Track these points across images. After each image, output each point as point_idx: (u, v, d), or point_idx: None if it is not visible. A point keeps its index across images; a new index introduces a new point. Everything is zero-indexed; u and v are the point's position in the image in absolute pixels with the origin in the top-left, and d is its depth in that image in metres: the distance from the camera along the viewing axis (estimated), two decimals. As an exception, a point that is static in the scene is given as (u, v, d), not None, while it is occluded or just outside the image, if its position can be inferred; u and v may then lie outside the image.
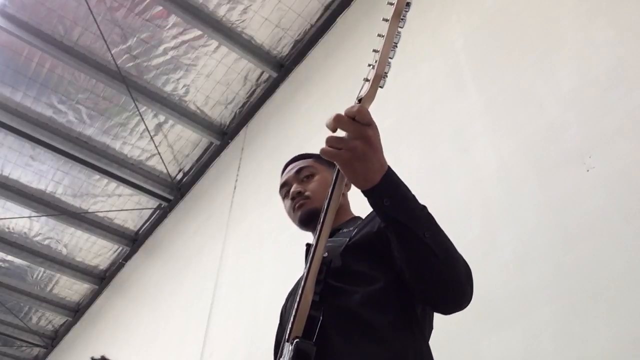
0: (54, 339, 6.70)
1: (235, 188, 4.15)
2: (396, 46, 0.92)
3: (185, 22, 4.08)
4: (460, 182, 2.10)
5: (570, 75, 1.90)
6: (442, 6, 2.72)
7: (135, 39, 4.20)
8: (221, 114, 4.69)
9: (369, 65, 0.93)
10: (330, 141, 0.91)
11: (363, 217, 1.28)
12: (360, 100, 0.92)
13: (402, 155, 2.45)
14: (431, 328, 1.12)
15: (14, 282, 6.06)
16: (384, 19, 0.93)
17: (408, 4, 0.93)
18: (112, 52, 4.19)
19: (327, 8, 4.01)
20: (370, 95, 0.92)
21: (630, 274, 1.43)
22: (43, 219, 5.43)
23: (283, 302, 1.32)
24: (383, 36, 0.93)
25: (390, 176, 0.95)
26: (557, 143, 1.81)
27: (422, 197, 1.01)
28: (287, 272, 2.88)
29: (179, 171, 5.12)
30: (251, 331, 2.98)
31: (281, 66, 4.32)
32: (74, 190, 5.26)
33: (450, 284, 0.97)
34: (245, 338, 3.02)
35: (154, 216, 5.47)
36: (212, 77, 4.43)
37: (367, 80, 0.93)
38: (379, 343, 0.99)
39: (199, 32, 4.14)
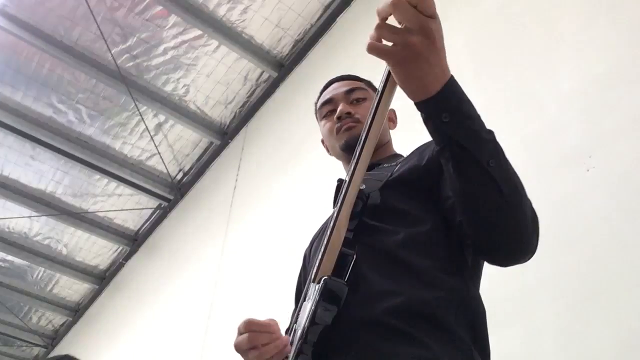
0: (54, 338, 6.70)
1: (235, 188, 4.15)
2: None
3: (185, 22, 4.08)
4: (460, 182, 2.09)
5: (570, 75, 1.90)
6: (442, 6, 2.71)
7: (135, 38, 4.20)
8: (221, 114, 4.69)
9: None
10: (381, 32, 0.72)
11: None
12: None
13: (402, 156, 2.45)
14: (479, 283, 0.97)
15: (14, 282, 6.05)
16: None
17: None
18: (112, 52, 4.18)
19: (327, 8, 4.01)
20: None
21: (630, 274, 1.43)
22: (43, 219, 5.42)
23: (308, 244, 1.22)
24: None
25: (453, 86, 0.77)
26: (557, 143, 1.81)
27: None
28: (287, 272, 2.87)
29: (179, 171, 5.12)
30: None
31: (281, 66, 4.32)
32: (74, 190, 5.25)
33: (514, 228, 0.79)
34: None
35: (154, 216, 5.47)
36: (212, 77, 4.43)
37: None
38: (423, 284, 0.85)
39: (199, 32, 4.14)
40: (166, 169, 5.00)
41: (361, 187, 0.87)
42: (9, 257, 5.77)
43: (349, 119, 1.17)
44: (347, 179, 0.85)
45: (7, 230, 5.56)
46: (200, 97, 4.56)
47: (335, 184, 1.05)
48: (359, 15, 3.65)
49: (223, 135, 4.77)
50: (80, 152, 4.84)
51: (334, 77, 1.32)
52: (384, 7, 0.71)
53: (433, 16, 0.72)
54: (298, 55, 4.18)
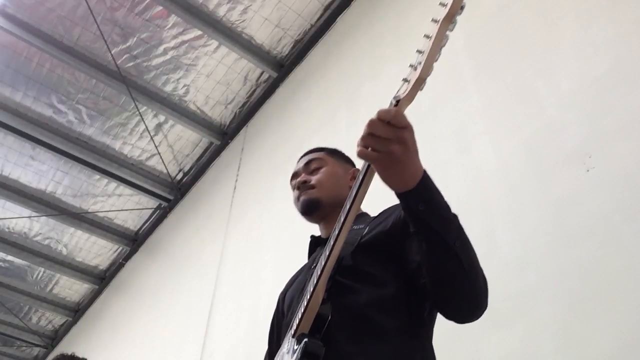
0: (54, 339, 6.70)
1: (235, 188, 4.15)
2: (441, 49, 0.87)
3: (185, 22, 4.08)
4: (460, 182, 2.10)
5: (570, 75, 1.89)
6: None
7: (135, 39, 4.20)
8: (221, 114, 4.69)
9: (410, 65, 0.89)
10: (366, 142, 0.87)
11: (371, 214, 1.27)
12: (398, 102, 0.88)
13: (402, 155, 2.44)
14: (432, 330, 1.12)
15: (14, 282, 6.05)
16: (433, 20, 0.88)
17: (462, 8, 0.88)
18: (112, 52, 4.19)
19: (327, 8, 4.01)
20: (410, 97, 0.88)
21: (630, 274, 1.43)
22: (43, 219, 5.42)
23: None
24: (429, 37, 0.87)
25: (426, 181, 0.93)
26: (557, 143, 1.81)
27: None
28: (287, 272, 2.87)
29: (179, 171, 5.12)
30: (251, 331, 2.98)
31: (281, 66, 4.32)
32: (74, 190, 5.25)
33: (470, 295, 0.97)
34: (245, 338, 3.02)
35: (154, 216, 5.47)
36: (212, 77, 4.43)
37: (406, 80, 0.89)
38: (386, 345, 0.99)
39: (199, 32, 4.14)
40: (166, 169, 5.00)
41: None
42: (9, 257, 5.77)
43: (304, 187, 1.34)
44: (327, 255, 0.99)
45: (7, 230, 5.56)
46: (200, 97, 4.56)
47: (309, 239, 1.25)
48: (359, 16, 3.65)
49: (223, 135, 4.77)
50: (80, 152, 4.84)
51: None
52: (366, 125, 0.86)
53: (406, 127, 0.87)
54: (298, 56, 4.18)
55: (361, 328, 1.00)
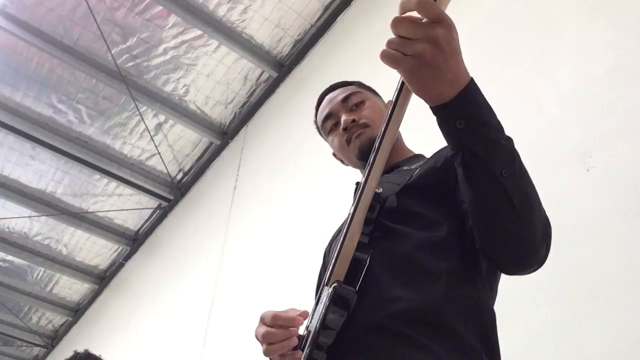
0: (54, 338, 6.70)
1: (235, 188, 4.15)
2: None
3: (185, 21, 4.08)
4: (460, 182, 2.09)
5: (570, 75, 1.89)
6: (442, 6, 2.71)
7: (135, 38, 4.20)
8: (221, 114, 4.69)
9: None
10: (392, 43, 0.72)
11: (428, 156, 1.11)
12: None
13: (402, 155, 2.44)
14: (496, 293, 0.96)
15: (14, 282, 6.05)
16: None
17: None
18: (112, 52, 4.18)
19: (327, 8, 4.01)
20: None
21: (630, 274, 1.43)
22: (43, 219, 5.42)
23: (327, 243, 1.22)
24: None
25: (470, 92, 0.75)
26: (557, 143, 1.81)
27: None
28: (287, 272, 2.87)
29: (179, 171, 5.12)
30: (251, 331, 2.98)
31: (281, 66, 4.32)
32: (74, 190, 5.25)
33: (522, 241, 0.79)
34: (246, 338, 3.02)
35: (154, 216, 5.47)
36: (212, 77, 4.43)
37: None
38: (436, 289, 0.84)
39: (199, 32, 4.14)
40: (166, 169, 5.00)
41: (378, 191, 0.86)
42: (9, 257, 5.77)
43: (356, 126, 1.16)
44: (361, 187, 0.85)
45: (7, 230, 5.56)
46: (200, 97, 4.56)
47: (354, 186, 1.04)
48: (359, 15, 3.64)
49: (223, 135, 4.77)
50: (80, 152, 4.84)
51: (324, 90, 1.32)
52: (390, 25, 0.72)
53: (439, 20, 0.71)
54: (298, 56, 4.18)
55: (408, 271, 0.86)
